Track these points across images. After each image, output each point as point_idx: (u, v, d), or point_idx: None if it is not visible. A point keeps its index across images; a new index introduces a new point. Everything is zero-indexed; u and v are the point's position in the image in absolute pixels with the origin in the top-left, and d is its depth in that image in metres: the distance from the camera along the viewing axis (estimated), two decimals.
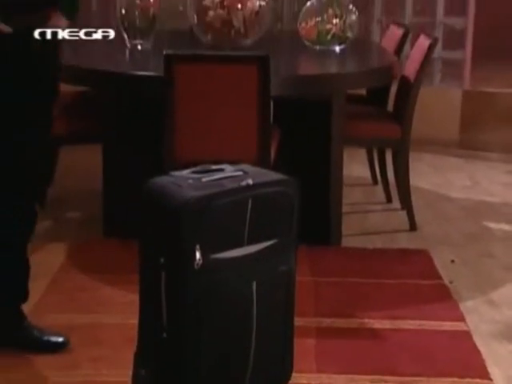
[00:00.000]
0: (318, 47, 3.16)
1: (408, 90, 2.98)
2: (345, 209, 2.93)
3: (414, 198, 3.11)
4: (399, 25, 3.50)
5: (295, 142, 2.81)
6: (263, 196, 1.59)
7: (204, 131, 2.50)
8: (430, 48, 2.92)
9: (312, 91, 2.74)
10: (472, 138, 4.25)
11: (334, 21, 3.13)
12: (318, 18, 3.16)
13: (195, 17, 3.14)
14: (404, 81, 3.07)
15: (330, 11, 3.15)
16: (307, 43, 3.19)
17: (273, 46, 3.26)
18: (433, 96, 3.74)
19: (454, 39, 4.24)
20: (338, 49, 3.15)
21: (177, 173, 1.65)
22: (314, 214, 2.59)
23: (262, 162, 2.41)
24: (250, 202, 1.56)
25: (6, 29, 1.77)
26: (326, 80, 2.79)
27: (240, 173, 1.63)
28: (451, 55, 4.31)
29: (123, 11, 3.07)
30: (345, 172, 2.92)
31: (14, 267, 1.94)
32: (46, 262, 2.54)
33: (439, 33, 4.20)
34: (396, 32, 3.40)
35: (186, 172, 1.64)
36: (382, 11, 4.39)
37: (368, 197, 3.50)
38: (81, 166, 3.58)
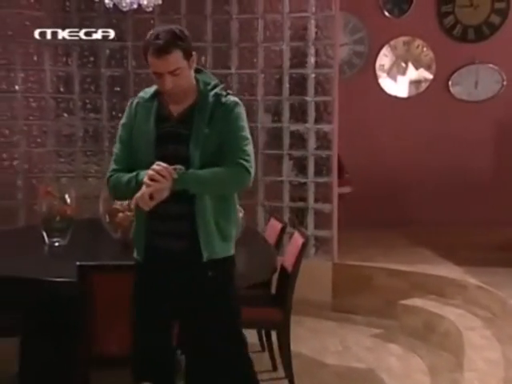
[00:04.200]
0: None
1: (287, 280, 3.51)
2: None
3: (294, 364, 3.49)
4: (278, 219, 4.15)
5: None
6: None
7: (116, 328, 2.82)
8: (303, 246, 3.51)
9: None
10: (342, 302, 4.89)
11: None
12: None
13: (107, 217, 3.62)
14: (284, 272, 3.57)
15: None
16: None
17: None
18: (309, 267, 4.31)
19: (323, 221, 4.96)
20: None
21: None
22: None
23: None
24: None
25: None
26: None
27: None
28: (322, 234, 4.99)
29: (43, 213, 3.52)
30: None
31: None
32: None
33: (311, 215, 4.96)
34: (276, 225, 4.06)
35: None
36: (264, 196, 5.10)
37: (256, 364, 3.88)
38: None
